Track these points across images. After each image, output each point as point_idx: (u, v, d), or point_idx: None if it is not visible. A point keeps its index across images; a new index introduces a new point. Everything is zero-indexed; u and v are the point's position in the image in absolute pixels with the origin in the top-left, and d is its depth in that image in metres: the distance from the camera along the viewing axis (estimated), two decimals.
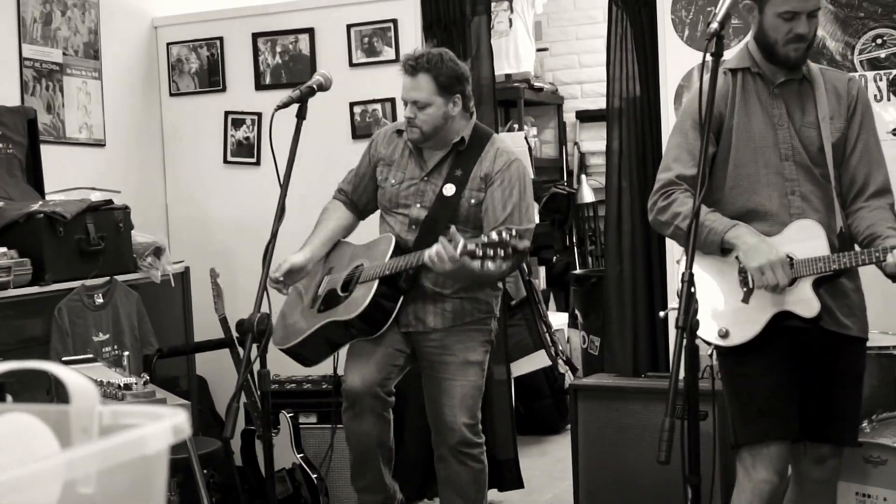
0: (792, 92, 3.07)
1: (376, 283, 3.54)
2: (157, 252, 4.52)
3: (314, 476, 4.49)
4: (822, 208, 3.02)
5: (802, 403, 3.02)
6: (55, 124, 4.71)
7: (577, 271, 6.61)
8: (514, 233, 3.15)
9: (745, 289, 2.99)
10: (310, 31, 5.10)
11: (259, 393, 3.12)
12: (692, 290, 2.52)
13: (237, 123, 5.27)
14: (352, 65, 5.01)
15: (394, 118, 4.84)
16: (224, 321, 4.39)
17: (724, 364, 3.10)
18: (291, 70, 5.13)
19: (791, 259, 2.93)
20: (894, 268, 2.79)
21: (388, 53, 4.95)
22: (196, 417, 4.57)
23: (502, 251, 3.12)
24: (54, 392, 3.04)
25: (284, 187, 3.18)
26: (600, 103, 6.02)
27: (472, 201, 3.59)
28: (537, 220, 6.96)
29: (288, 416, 4.54)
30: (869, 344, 3.17)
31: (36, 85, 4.62)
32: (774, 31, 2.97)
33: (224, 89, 5.29)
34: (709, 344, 3.05)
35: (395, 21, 4.93)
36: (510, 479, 4.81)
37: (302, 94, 3.31)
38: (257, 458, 4.58)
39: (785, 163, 3.03)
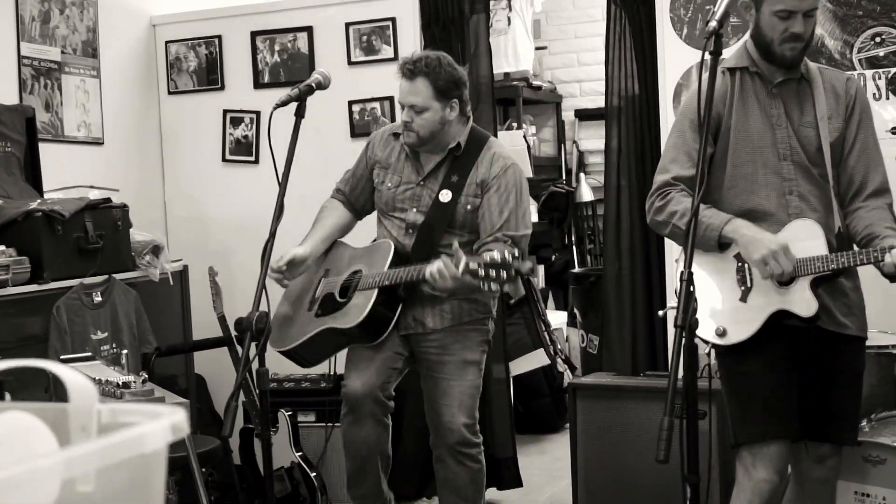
0: (790, 91, 3.07)
1: (375, 292, 3.53)
2: (156, 250, 4.52)
3: (313, 474, 4.49)
4: (821, 208, 3.02)
5: (802, 403, 3.02)
6: (53, 122, 4.71)
7: (576, 270, 6.62)
8: (516, 253, 3.14)
9: (742, 287, 2.99)
10: (308, 30, 5.10)
11: (257, 391, 3.11)
12: (691, 289, 2.52)
13: (236, 122, 5.27)
14: (350, 63, 5.00)
15: (392, 117, 4.84)
16: (223, 320, 4.39)
17: (723, 363, 3.10)
18: (290, 68, 5.13)
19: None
20: (892, 268, 2.79)
21: (387, 52, 4.94)
22: (194, 416, 4.57)
23: (505, 273, 3.11)
24: (53, 390, 3.04)
25: (283, 186, 3.18)
26: (599, 102, 6.03)
27: (469, 207, 3.58)
28: (535, 219, 6.98)
29: (286, 414, 4.54)
30: (868, 343, 3.17)
31: (34, 83, 4.61)
32: (771, 29, 2.97)
33: (222, 88, 5.29)
34: (707, 343, 3.05)
35: (393, 19, 4.92)
36: (509, 477, 4.81)
37: (300, 93, 3.30)
38: (256, 456, 4.58)
39: (783, 162, 3.03)
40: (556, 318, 6.29)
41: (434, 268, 3.30)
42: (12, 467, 0.85)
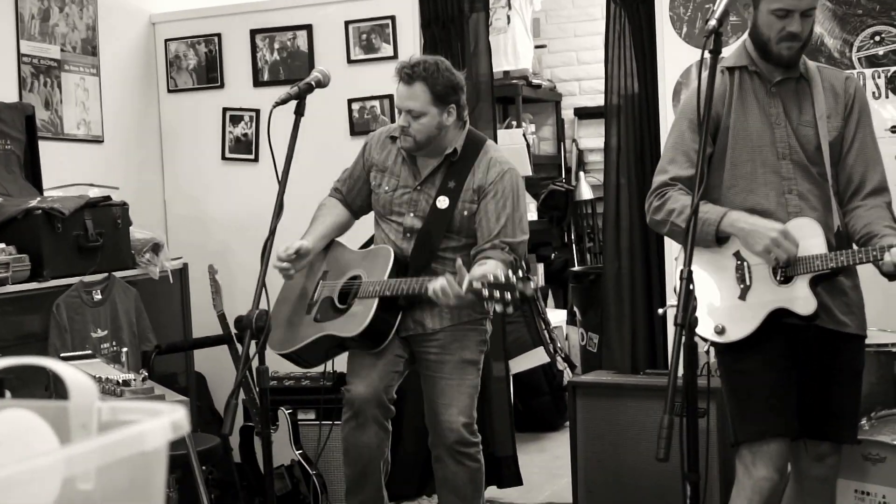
0: (789, 90, 3.07)
1: (376, 302, 3.52)
2: (156, 248, 4.52)
3: (313, 472, 4.49)
4: (820, 207, 3.02)
5: (801, 401, 3.02)
6: (53, 120, 4.71)
7: (576, 268, 6.62)
8: (521, 274, 3.14)
9: (742, 285, 3.00)
10: (308, 28, 5.10)
11: (257, 389, 3.12)
12: (691, 287, 2.52)
13: (235, 120, 5.27)
14: (350, 61, 5.00)
15: (392, 115, 4.84)
16: (222, 318, 4.39)
17: (723, 361, 3.10)
18: (289, 67, 5.13)
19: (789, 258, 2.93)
20: (891, 266, 2.79)
21: (387, 50, 4.94)
22: (195, 414, 4.57)
23: (509, 295, 3.12)
24: (53, 388, 3.04)
25: (283, 184, 3.18)
26: (598, 100, 6.03)
27: (466, 213, 3.58)
28: (535, 217, 6.98)
29: (286, 412, 4.54)
30: (868, 341, 3.18)
31: (34, 81, 4.61)
32: (768, 28, 2.97)
33: (222, 86, 5.29)
34: (705, 340, 3.05)
35: (393, 18, 4.92)
36: (509, 476, 4.81)
37: (300, 91, 3.30)
38: (256, 454, 4.58)
39: (782, 161, 3.03)
40: (556, 316, 6.28)
41: (437, 285, 3.31)
42: (13, 465, 0.85)
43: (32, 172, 4.41)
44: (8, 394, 3.04)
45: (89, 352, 3.71)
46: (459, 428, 3.58)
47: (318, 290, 3.76)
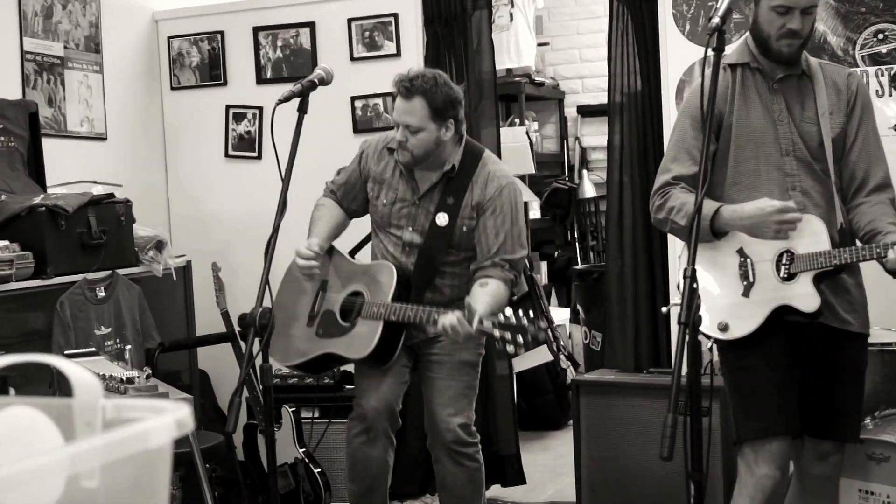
0: (791, 87, 3.06)
1: (381, 326, 3.50)
2: (159, 246, 4.52)
3: (317, 471, 4.49)
4: (823, 203, 3.02)
5: (804, 399, 3.02)
6: (56, 118, 4.71)
7: (579, 267, 6.61)
8: (531, 315, 3.14)
9: (745, 283, 2.99)
10: (311, 25, 5.10)
11: (261, 387, 3.12)
12: (694, 285, 2.52)
13: (238, 117, 5.27)
14: (353, 59, 5.00)
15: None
16: (226, 315, 4.39)
17: (725, 358, 3.10)
18: (292, 64, 5.12)
19: (792, 254, 2.93)
20: (895, 263, 2.79)
21: (389, 48, 4.94)
22: (198, 412, 4.57)
23: (521, 338, 3.11)
24: (56, 385, 3.04)
25: (286, 182, 3.18)
26: (601, 98, 6.01)
27: (465, 229, 3.57)
28: (538, 216, 6.98)
29: (290, 410, 4.54)
30: (871, 340, 3.17)
31: (37, 78, 4.61)
32: (768, 24, 2.96)
33: (225, 83, 5.29)
34: (708, 337, 3.05)
35: (395, 15, 4.92)
36: (512, 474, 4.81)
37: (303, 89, 3.30)
38: (259, 452, 4.58)
39: (785, 158, 3.02)
40: (559, 314, 6.27)
41: (447, 322, 3.30)
42: (17, 463, 0.85)
43: (36, 170, 4.41)
44: (12, 391, 3.04)
45: (93, 349, 3.71)
46: (456, 428, 3.58)
47: (319, 302, 3.74)
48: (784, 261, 2.94)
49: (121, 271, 4.25)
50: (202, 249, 5.05)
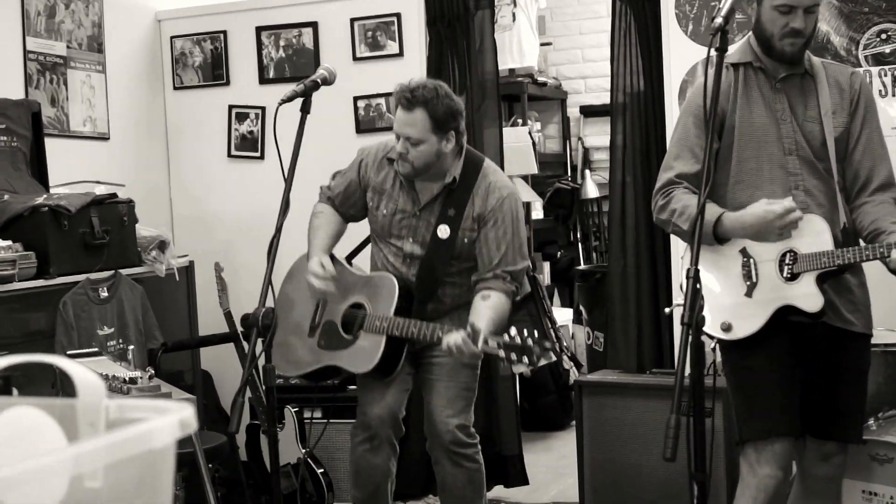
0: (794, 86, 3.06)
1: (384, 340, 3.50)
2: (162, 246, 4.52)
3: (319, 471, 4.49)
4: (826, 203, 3.01)
5: (807, 399, 3.01)
6: (59, 117, 4.71)
7: (582, 267, 6.61)
8: (536, 335, 3.14)
9: (748, 283, 2.99)
10: (313, 25, 5.10)
11: (264, 388, 3.12)
12: (697, 286, 2.52)
13: (241, 117, 5.27)
14: (355, 59, 5.00)
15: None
16: (229, 315, 4.39)
17: (728, 358, 3.10)
18: (295, 64, 5.13)
19: (795, 254, 2.93)
20: None
21: (392, 48, 4.94)
22: (201, 412, 4.58)
23: (527, 358, 3.12)
24: (59, 386, 3.04)
25: (289, 182, 3.18)
26: (604, 98, 6.03)
27: (466, 241, 3.56)
28: (541, 216, 6.98)
29: (293, 410, 4.54)
30: (875, 341, 3.17)
31: (40, 78, 4.61)
32: (771, 24, 2.96)
33: (228, 83, 5.29)
34: (712, 337, 3.04)
35: (398, 15, 4.92)
36: (515, 475, 4.81)
37: (306, 89, 3.30)
38: (262, 452, 4.58)
39: (788, 157, 3.02)
40: (562, 315, 6.27)
41: (452, 341, 3.30)
42: (21, 463, 0.85)
43: (39, 169, 4.41)
44: (15, 391, 3.04)
45: (96, 349, 3.71)
46: (454, 429, 3.57)
47: (320, 313, 3.74)
48: (787, 261, 2.94)
49: (123, 271, 4.25)
50: (205, 249, 5.05)
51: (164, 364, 4.34)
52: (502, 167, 4.88)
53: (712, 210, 2.94)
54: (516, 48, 6.81)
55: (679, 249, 4.10)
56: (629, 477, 4.04)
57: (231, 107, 5.28)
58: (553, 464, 5.42)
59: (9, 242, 3.81)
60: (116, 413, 1.03)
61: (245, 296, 4.61)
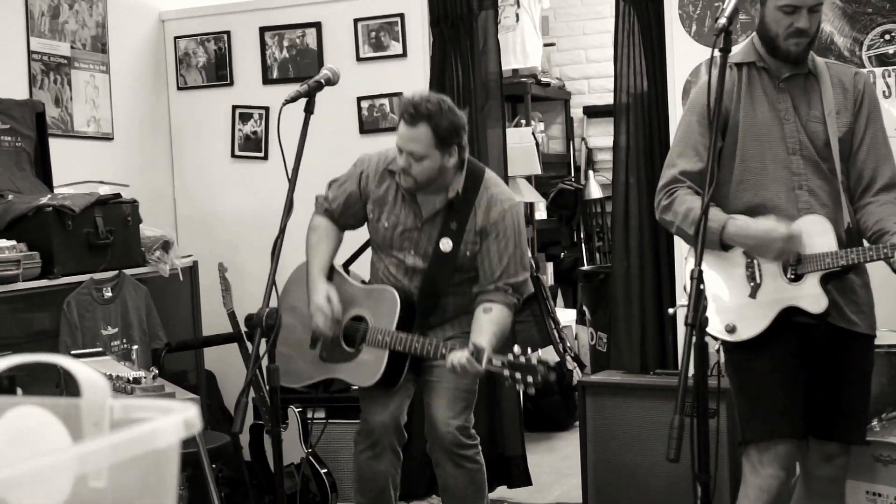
0: (798, 86, 3.06)
1: (387, 355, 3.50)
2: (166, 246, 4.53)
3: (323, 471, 4.49)
4: (830, 203, 3.01)
5: (810, 400, 3.01)
6: (63, 118, 4.72)
7: (585, 267, 6.60)
8: (540, 355, 3.15)
9: (752, 284, 2.99)
10: (317, 26, 5.10)
11: (268, 388, 3.12)
12: (701, 287, 2.51)
13: (245, 118, 5.27)
14: (359, 59, 5.00)
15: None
16: (232, 316, 4.39)
17: (732, 359, 3.10)
18: (299, 64, 5.13)
19: (799, 254, 2.92)
20: None
21: (396, 48, 4.94)
22: (205, 412, 4.57)
23: (531, 378, 3.13)
24: (64, 385, 3.04)
25: (292, 182, 3.18)
26: (607, 99, 6.01)
27: (469, 254, 3.56)
28: (544, 216, 6.97)
29: (296, 410, 4.54)
30: (879, 342, 3.16)
31: (44, 78, 4.62)
32: (775, 24, 2.96)
33: (231, 83, 5.29)
34: (716, 339, 3.04)
35: (402, 15, 4.92)
36: (518, 475, 4.81)
37: (310, 89, 3.30)
38: (266, 452, 4.58)
39: (792, 157, 3.02)
40: (566, 315, 6.27)
41: (456, 360, 3.30)
42: (26, 463, 0.85)
43: (43, 170, 4.41)
44: (19, 391, 3.04)
45: (100, 349, 3.72)
46: (454, 430, 3.57)
47: None
48: (791, 261, 2.93)
49: (127, 271, 4.25)
50: (208, 250, 5.05)
51: (168, 364, 4.34)
52: (506, 168, 4.89)
53: (718, 217, 2.94)
54: (520, 49, 6.80)
55: (682, 250, 4.10)
56: (632, 478, 4.03)
57: (235, 107, 5.28)
58: (556, 464, 5.42)
59: (13, 242, 3.82)
60: (121, 413, 1.03)
61: (248, 296, 4.61)
